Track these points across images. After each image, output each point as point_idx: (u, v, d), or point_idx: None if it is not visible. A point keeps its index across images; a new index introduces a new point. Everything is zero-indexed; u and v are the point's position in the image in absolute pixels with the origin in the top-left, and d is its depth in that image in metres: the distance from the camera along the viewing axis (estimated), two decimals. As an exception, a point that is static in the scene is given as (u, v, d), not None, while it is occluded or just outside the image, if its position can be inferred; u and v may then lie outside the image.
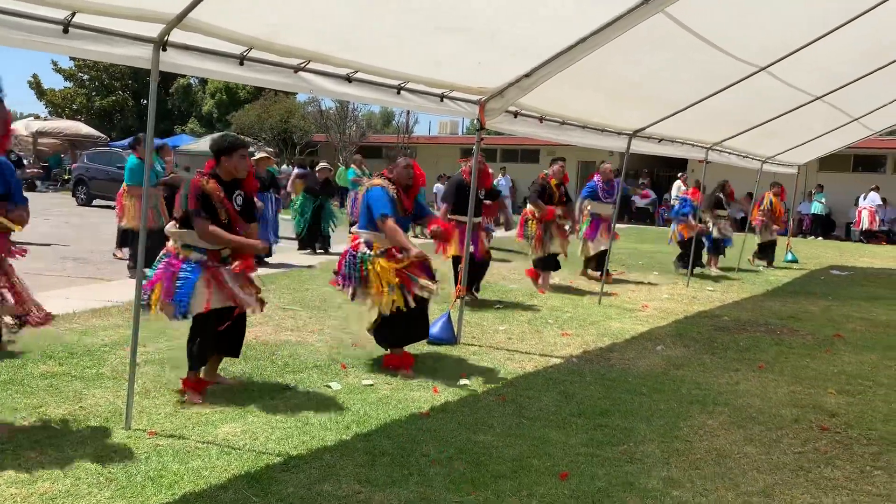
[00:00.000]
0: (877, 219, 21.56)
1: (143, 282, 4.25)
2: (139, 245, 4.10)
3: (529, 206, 9.05)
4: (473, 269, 7.81)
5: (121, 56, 3.57)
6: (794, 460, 4.03)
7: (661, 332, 7.18)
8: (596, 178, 10.04)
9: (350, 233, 5.50)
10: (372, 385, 5.02)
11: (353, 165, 16.20)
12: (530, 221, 8.97)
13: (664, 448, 4.12)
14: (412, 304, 5.19)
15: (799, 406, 4.99)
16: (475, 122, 5.80)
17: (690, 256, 10.81)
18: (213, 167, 4.48)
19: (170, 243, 4.47)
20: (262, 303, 4.69)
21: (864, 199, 21.87)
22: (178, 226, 4.44)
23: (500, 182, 20.30)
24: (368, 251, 5.24)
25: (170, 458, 3.63)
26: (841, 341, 7.10)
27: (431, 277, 5.37)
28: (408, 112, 30.10)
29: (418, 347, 5.84)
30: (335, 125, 29.68)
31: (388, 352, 5.47)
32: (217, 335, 4.51)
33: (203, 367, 4.64)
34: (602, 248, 9.79)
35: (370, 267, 5.18)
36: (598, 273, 9.75)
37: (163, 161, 9.54)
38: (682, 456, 4.02)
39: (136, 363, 4.11)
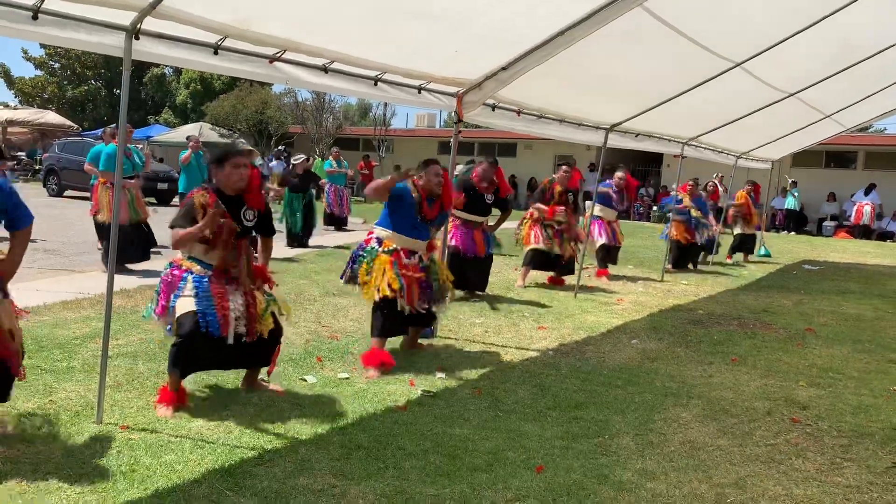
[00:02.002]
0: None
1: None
2: (111, 237, 4.04)
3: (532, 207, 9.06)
4: (476, 269, 7.81)
5: (92, 44, 3.50)
6: (767, 452, 4.08)
7: (636, 326, 7.23)
8: (610, 183, 10.03)
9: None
10: (348, 378, 5.00)
11: (329, 157, 16.08)
12: (526, 221, 9.00)
13: (639, 440, 4.15)
14: (393, 299, 5.17)
15: (771, 399, 5.05)
16: (453, 115, 5.79)
17: (665, 255, 10.95)
18: (214, 179, 4.29)
19: (178, 255, 4.33)
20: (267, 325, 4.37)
21: (866, 195, 21.95)
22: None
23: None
24: (377, 247, 5.30)
25: (142, 452, 3.58)
26: (812, 335, 7.20)
27: (429, 297, 5.41)
28: (385, 104, 29.98)
29: (392, 341, 5.81)
30: (312, 116, 29.45)
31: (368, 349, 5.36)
32: (210, 351, 4.22)
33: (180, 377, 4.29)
34: (602, 241, 9.91)
35: (369, 258, 5.26)
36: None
37: (141, 153, 9.36)
38: (657, 448, 4.05)
39: (108, 356, 4.05)
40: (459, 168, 9.39)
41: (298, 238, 12.11)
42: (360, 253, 5.37)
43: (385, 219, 5.40)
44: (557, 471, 3.66)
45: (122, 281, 4.26)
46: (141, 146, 9.83)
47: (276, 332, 4.46)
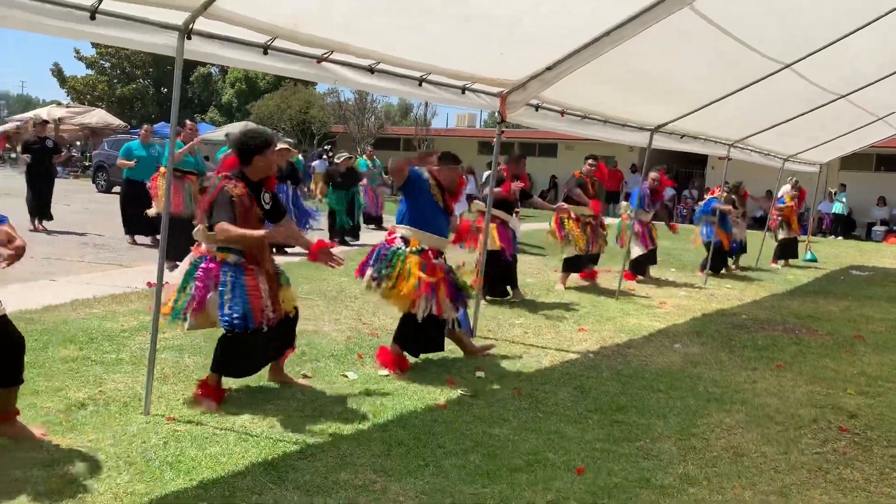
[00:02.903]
0: None
1: (186, 291, 4.08)
2: (162, 230, 4.13)
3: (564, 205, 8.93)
4: (505, 268, 7.79)
5: (146, 43, 3.59)
6: (813, 460, 4.00)
7: (678, 330, 7.15)
8: (644, 186, 9.83)
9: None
10: (388, 375, 5.03)
11: (364, 157, 16.22)
12: (567, 221, 8.73)
13: (681, 445, 4.10)
14: (427, 314, 4.97)
15: (817, 406, 4.95)
16: (496, 115, 5.78)
17: (708, 257, 10.77)
18: (240, 168, 4.18)
19: (203, 246, 4.20)
20: (291, 312, 4.40)
21: None
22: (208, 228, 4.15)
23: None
24: (404, 247, 5.05)
25: (188, 444, 3.66)
26: (861, 342, 7.03)
27: (458, 300, 5.27)
28: (426, 104, 30.07)
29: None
30: (354, 116, 29.68)
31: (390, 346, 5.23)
32: (258, 349, 4.26)
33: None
34: (639, 253, 9.77)
35: (400, 263, 4.96)
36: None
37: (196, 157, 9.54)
38: (699, 453, 4.01)
39: (156, 349, 4.14)
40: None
41: (348, 232, 12.24)
42: (384, 254, 5.04)
43: (406, 215, 5.14)
44: (598, 473, 3.64)
45: (168, 275, 4.32)
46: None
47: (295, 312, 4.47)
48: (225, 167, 4.26)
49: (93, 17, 3.32)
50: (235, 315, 4.00)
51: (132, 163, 10.46)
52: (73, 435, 3.67)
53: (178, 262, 4.43)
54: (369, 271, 5.02)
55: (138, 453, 3.52)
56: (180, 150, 9.03)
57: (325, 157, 21.88)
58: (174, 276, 4.23)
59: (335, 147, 29.16)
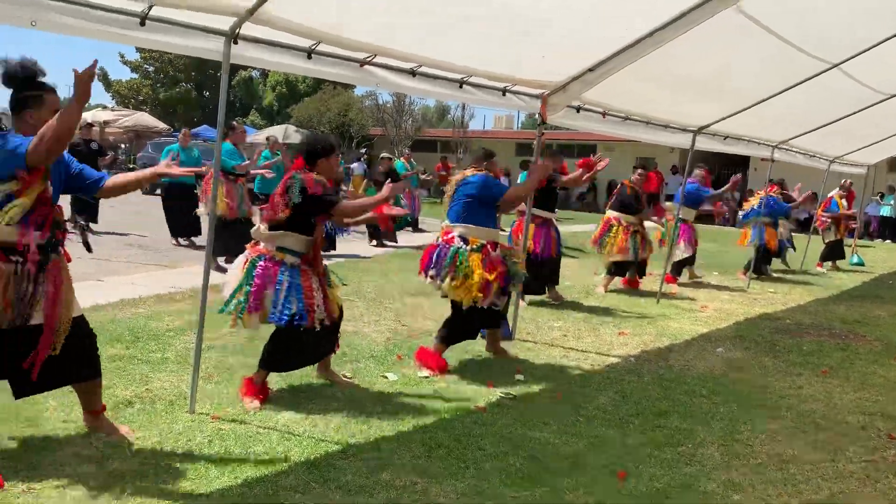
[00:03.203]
0: None
1: (244, 287, 4.17)
2: (209, 231, 4.20)
3: (613, 213, 8.87)
4: (547, 268, 7.77)
5: (194, 48, 3.66)
6: (861, 469, 3.91)
7: (720, 334, 7.05)
8: (689, 182, 9.62)
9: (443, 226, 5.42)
10: (428, 377, 5.04)
11: (401, 159, 16.30)
12: (615, 227, 8.69)
13: (724, 451, 4.05)
14: (486, 304, 5.12)
15: (866, 413, 4.84)
16: (536, 116, 5.76)
17: (753, 260, 10.60)
18: (307, 168, 4.30)
19: (260, 245, 4.31)
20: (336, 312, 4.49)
21: None
22: (270, 228, 4.26)
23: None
24: (464, 245, 5.14)
25: (232, 443, 3.71)
26: (911, 348, 6.85)
27: (505, 291, 5.33)
28: (463, 106, 30.08)
29: (474, 342, 5.85)
30: (392, 119, 29.85)
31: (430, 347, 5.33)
32: (311, 346, 4.38)
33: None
34: (687, 254, 9.68)
35: (464, 261, 5.07)
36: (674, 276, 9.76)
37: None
38: (743, 460, 3.94)
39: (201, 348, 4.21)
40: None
41: (387, 234, 12.35)
42: (446, 251, 5.16)
43: (468, 214, 5.22)
44: (640, 478, 3.61)
45: (214, 276, 4.39)
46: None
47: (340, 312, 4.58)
48: (295, 167, 4.38)
49: (142, 24, 3.40)
50: (292, 313, 4.12)
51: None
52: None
53: (223, 262, 4.53)
54: (431, 272, 5.18)
55: (184, 452, 3.58)
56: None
57: (362, 159, 22.08)
58: (231, 275, 4.33)
59: (372, 149, 29.37)
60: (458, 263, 5.07)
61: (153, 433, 3.78)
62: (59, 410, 3.94)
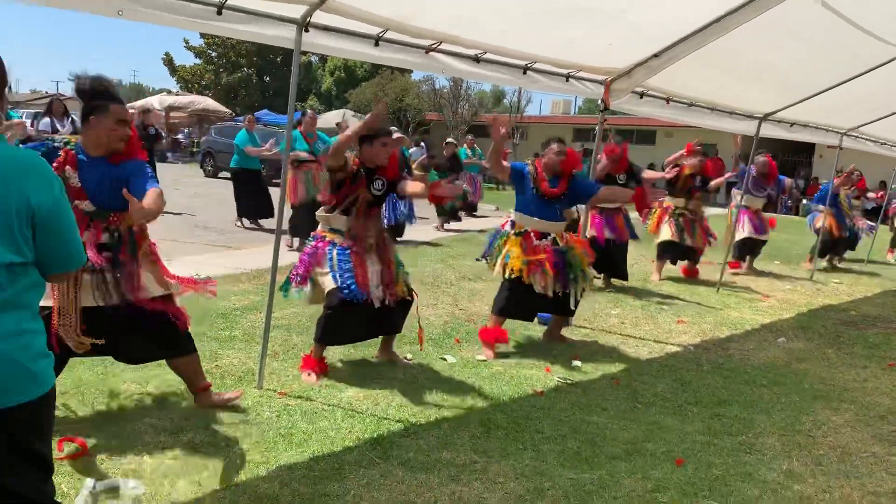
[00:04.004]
0: None
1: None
2: (276, 214, 4.37)
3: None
4: (613, 255, 7.76)
5: (267, 36, 3.78)
6: (928, 464, 3.85)
7: (782, 324, 6.94)
8: (751, 169, 9.34)
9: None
10: (485, 360, 5.12)
11: (464, 145, 16.34)
12: (655, 211, 8.74)
13: (785, 441, 4.02)
14: (518, 280, 5.20)
15: (934, 408, 4.74)
16: (599, 102, 5.74)
17: (817, 246, 10.35)
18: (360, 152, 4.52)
19: (319, 227, 4.62)
20: (403, 291, 4.64)
21: None
22: (326, 210, 4.57)
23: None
24: (510, 229, 5.43)
25: (299, 418, 3.85)
26: (983, 344, 6.64)
27: (563, 279, 5.33)
28: (520, 91, 29.89)
29: (530, 327, 5.90)
30: (448, 104, 29.91)
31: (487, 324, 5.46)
32: (354, 323, 4.52)
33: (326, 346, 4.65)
34: (744, 235, 9.50)
35: (501, 242, 5.39)
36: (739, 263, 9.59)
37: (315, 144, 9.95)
38: (804, 450, 3.92)
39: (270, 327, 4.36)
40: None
41: (453, 214, 12.68)
42: (496, 237, 5.53)
43: (516, 202, 5.50)
44: (699, 465, 3.62)
45: (282, 258, 4.53)
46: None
47: (407, 301, 4.70)
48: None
49: (219, 13, 3.53)
50: (342, 286, 4.33)
51: (256, 150, 10.87)
52: (193, 407, 3.92)
53: (297, 241, 4.79)
54: (485, 258, 5.60)
55: (253, 425, 3.74)
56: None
57: (421, 144, 22.20)
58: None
59: (428, 134, 29.47)
60: (499, 242, 5.42)
61: (225, 406, 3.94)
62: (135, 384, 4.14)
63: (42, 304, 2.27)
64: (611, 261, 7.70)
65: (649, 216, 8.85)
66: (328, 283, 4.39)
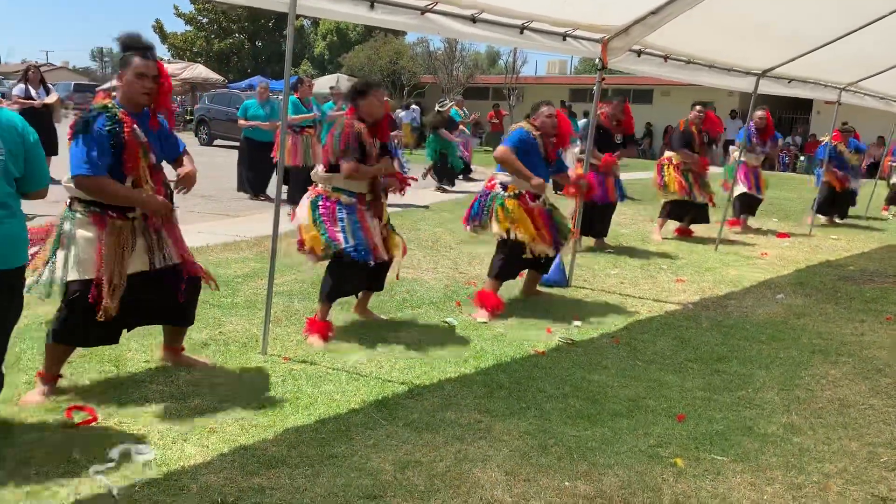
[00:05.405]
0: None
1: (319, 224, 4.50)
2: (277, 179, 4.38)
3: (667, 153, 8.82)
4: (602, 214, 7.78)
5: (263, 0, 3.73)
6: (925, 414, 3.91)
7: (781, 281, 6.98)
8: (750, 125, 9.26)
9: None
10: (486, 323, 5.16)
11: (454, 106, 16.24)
12: (667, 167, 8.64)
13: (784, 396, 4.08)
14: (517, 243, 5.27)
15: (931, 360, 4.80)
16: (597, 61, 5.69)
17: (815, 202, 10.36)
18: (355, 111, 4.57)
19: (319, 187, 4.62)
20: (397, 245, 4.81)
21: None
22: (325, 170, 4.59)
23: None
24: (503, 192, 5.37)
25: (304, 382, 3.90)
26: (980, 296, 6.69)
27: (555, 240, 5.45)
28: (515, 51, 29.59)
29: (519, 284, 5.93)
30: (443, 66, 29.58)
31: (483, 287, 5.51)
32: (358, 277, 4.70)
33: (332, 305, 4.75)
34: (742, 190, 9.46)
35: (496, 205, 5.34)
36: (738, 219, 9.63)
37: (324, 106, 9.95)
38: (804, 404, 3.97)
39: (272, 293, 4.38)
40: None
41: (458, 173, 13.01)
42: (485, 200, 5.44)
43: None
44: (700, 421, 3.68)
45: (281, 226, 4.53)
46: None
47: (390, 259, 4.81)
48: (349, 112, 4.63)
49: (212, -23, 3.48)
50: (357, 246, 4.42)
51: (252, 123, 10.76)
52: (199, 373, 3.96)
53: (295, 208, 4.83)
54: (475, 222, 5.50)
55: (260, 389, 3.78)
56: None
57: (410, 108, 22.06)
58: (300, 217, 4.62)
59: (423, 97, 29.20)
60: (495, 206, 5.34)
61: (230, 373, 3.98)
62: (139, 352, 4.17)
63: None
64: (594, 221, 7.71)
65: (663, 174, 8.70)
66: (339, 241, 4.48)
